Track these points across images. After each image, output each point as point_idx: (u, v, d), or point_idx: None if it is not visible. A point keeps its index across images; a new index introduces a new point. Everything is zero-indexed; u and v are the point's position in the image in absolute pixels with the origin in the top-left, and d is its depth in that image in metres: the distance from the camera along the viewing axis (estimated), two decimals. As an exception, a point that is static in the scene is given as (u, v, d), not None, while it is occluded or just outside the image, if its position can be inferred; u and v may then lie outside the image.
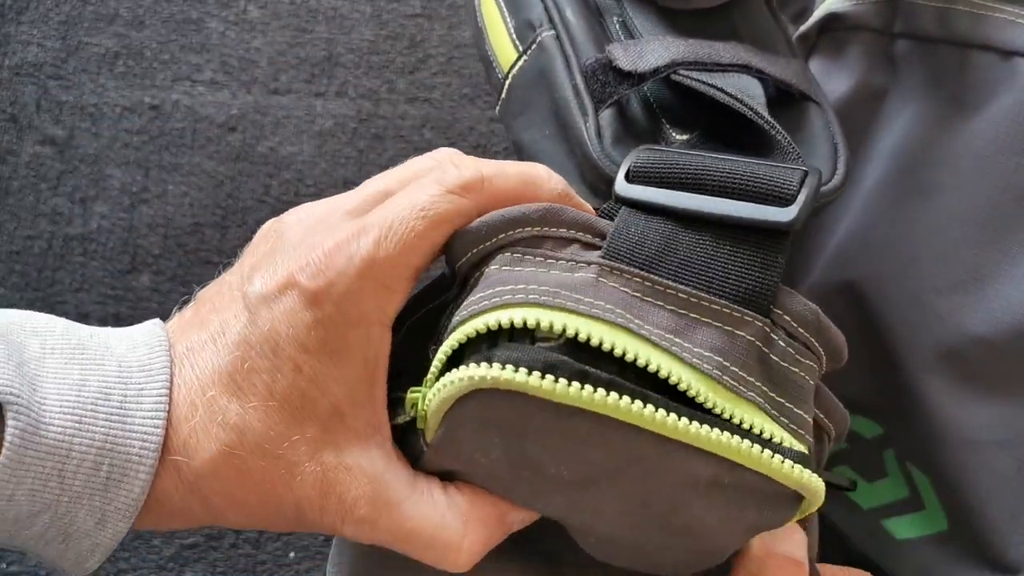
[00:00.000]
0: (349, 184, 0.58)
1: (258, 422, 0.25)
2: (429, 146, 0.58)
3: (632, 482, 0.23)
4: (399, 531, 0.26)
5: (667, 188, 0.26)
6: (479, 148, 0.59)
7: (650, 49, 0.29)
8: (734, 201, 0.25)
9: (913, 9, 0.32)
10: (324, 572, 0.49)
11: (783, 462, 0.23)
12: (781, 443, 0.23)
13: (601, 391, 0.21)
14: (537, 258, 0.25)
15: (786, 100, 0.30)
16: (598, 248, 0.25)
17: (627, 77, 0.29)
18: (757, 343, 0.24)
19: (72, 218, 0.58)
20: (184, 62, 0.59)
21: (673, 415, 0.22)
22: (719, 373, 0.23)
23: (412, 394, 0.25)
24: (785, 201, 0.24)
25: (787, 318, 0.25)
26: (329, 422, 0.25)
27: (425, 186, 0.26)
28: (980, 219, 0.30)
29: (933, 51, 0.32)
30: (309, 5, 0.60)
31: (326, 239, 0.25)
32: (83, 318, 0.56)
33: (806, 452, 0.23)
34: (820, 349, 0.25)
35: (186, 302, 0.29)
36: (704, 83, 0.28)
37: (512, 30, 0.33)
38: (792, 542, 0.27)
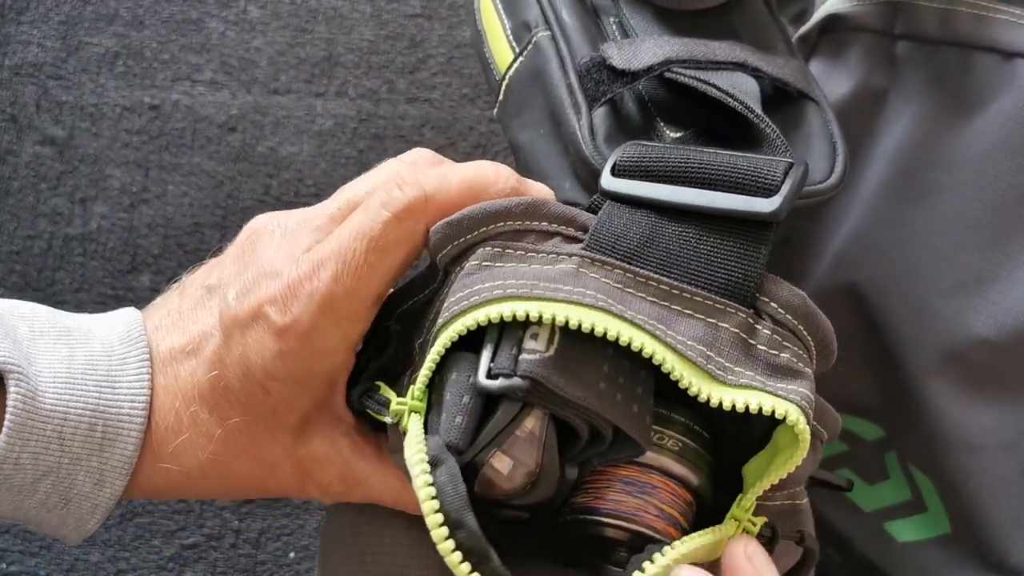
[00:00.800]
0: (349, 184, 0.58)
1: (238, 434, 0.28)
2: (429, 146, 0.57)
3: None
4: (369, 499, 0.29)
5: (651, 181, 0.25)
6: (479, 148, 0.59)
7: (644, 47, 0.29)
8: (718, 193, 0.25)
9: (914, 10, 0.32)
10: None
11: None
12: (786, 416, 0.22)
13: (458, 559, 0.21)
14: (518, 252, 0.25)
15: (784, 98, 0.30)
16: (580, 241, 0.25)
17: (621, 75, 0.28)
18: (741, 334, 0.24)
19: (72, 218, 0.58)
20: (184, 62, 0.59)
21: None
22: (703, 361, 0.23)
23: (397, 406, 0.25)
24: (769, 192, 0.24)
25: (773, 305, 0.24)
26: (299, 428, 0.28)
27: (371, 212, 0.26)
28: (982, 221, 0.30)
29: (934, 52, 0.32)
30: (309, 5, 0.60)
31: (291, 268, 0.27)
32: (83, 318, 0.56)
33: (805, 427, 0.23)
34: (808, 337, 0.25)
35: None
36: (697, 79, 0.28)
37: (509, 31, 0.32)
38: None
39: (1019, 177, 0.29)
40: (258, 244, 0.28)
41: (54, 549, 0.57)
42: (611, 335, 0.22)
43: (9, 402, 0.25)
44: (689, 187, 0.25)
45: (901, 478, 0.36)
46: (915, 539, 0.36)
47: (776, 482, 0.24)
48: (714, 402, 0.23)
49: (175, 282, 0.31)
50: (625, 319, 0.23)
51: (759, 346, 0.24)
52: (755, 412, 0.23)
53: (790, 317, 0.25)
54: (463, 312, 0.23)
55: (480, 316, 0.23)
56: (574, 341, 0.23)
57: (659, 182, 0.25)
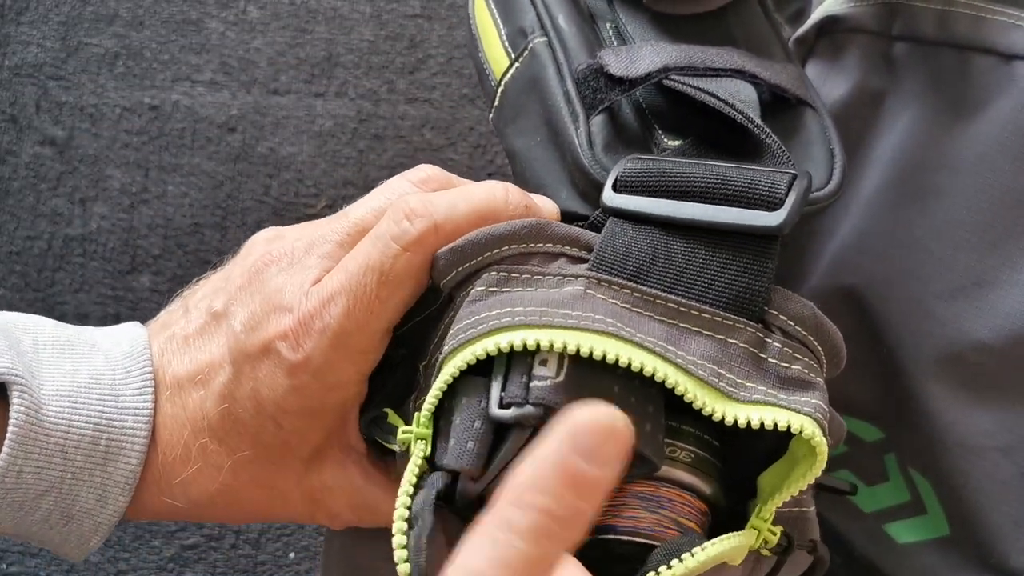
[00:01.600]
0: (349, 184, 0.58)
1: (248, 465, 0.27)
2: (429, 146, 0.57)
3: None
4: (379, 524, 0.29)
5: (654, 196, 0.25)
6: (479, 148, 0.59)
7: (642, 54, 0.29)
8: (721, 207, 0.24)
9: (912, 11, 0.32)
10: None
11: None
12: (801, 430, 0.22)
13: None
14: (523, 276, 0.25)
15: (782, 105, 0.30)
16: (585, 261, 0.25)
17: (619, 83, 0.28)
18: (751, 349, 0.24)
19: (72, 219, 0.58)
20: (184, 62, 0.59)
21: None
22: (715, 379, 0.23)
23: (403, 435, 0.24)
24: (773, 205, 0.24)
25: (783, 318, 0.24)
26: (310, 459, 0.28)
27: (380, 244, 0.26)
28: (980, 224, 0.30)
29: (932, 54, 0.31)
30: (309, 5, 0.60)
31: (301, 303, 0.26)
32: (83, 318, 0.56)
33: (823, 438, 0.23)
34: (819, 347, 0.25)
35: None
36: (695, 88, 0.28)
37: (504, 37, 0.32)
38: None
39: (1017, 180, 0.29)
40: (265, 272, 0.28)
41: (54, 549, 0.57)
42: (623, 361, 0.22)
43: (12, 414, 0.25)
44: (693, 202, 0.25)
45: (900, 480, 0.36)
46: (915, 541, 0.36)
47: (796, 494, 0.24)
48: (728, 420, 0.23)
49: (177, 296, 0.30)
50: (634, 342, 0.23)
51: (770, 360, 0.24)
52: (770, 428, 0.23)
53: (800, 329, 0.24)
54: (470, 341, 0.23)
55: (489, 346, 0.23)
56: (584, 365, 0.23)
57: (662, 197, 0.25)
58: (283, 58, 0.59)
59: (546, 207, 0.28)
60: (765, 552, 0.25)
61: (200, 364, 0.28)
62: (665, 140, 0.28)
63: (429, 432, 0.24)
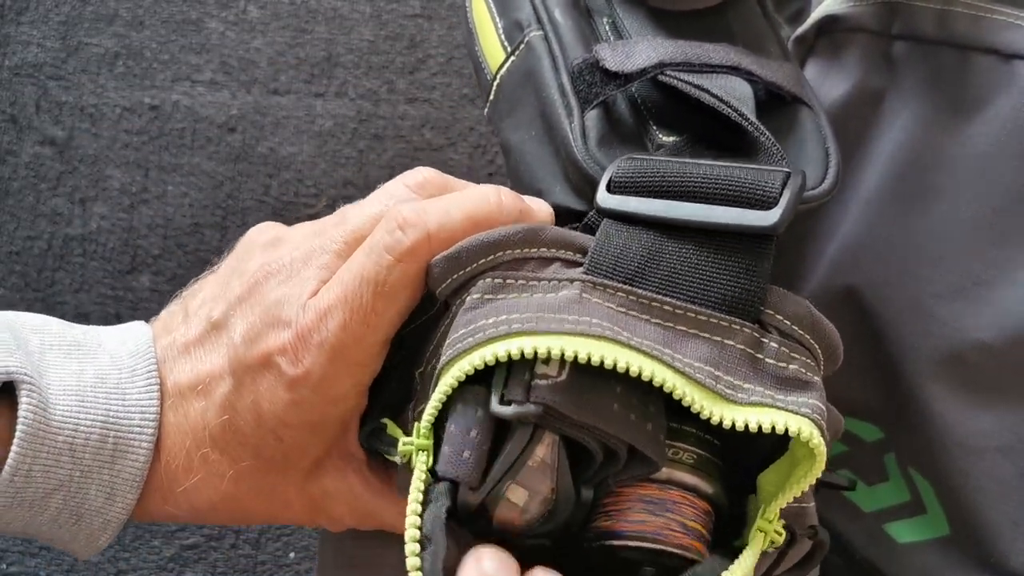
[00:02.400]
0: (349, 184, 0.58)
1: (250, 474, 0.28)
2: (429, 146, 0.57)
3: None
4: (380, 527, 0.30)
5: (648, 197, 0.25)
6: (479, 148, 0.59)
7: (638, 49, 0.28)
8: (715, 207, 0.24)
9: (912, 10, 0.31)
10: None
11: None
12: (799, 433, 0.22)
13: None
14: (519, 282, 0.25)
15: (778, 102, 0.29)
16: (580, 264, 0.25)
17: (614, 77, 0.28)
18: (748, 350, 0.24)
19: (72, 219, 0.58)
20: (184, 62, 0.59)
21: None
22: (712, 382, 0.23)
23: (404, 447, 0.24)
24: (767, 204, 0.24)
25: (779, 317, 0.24)
26: (311, 468, 0.28)
27: (375, 256, 0.26)
28: (980, 224, 0.30)
29: (932, 53, 0.31)
30: (309, 5, 0.60)
31: (299, 316, 0.26)
32: (83, 318, 0.56)
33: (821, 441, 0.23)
34: (816, 345, 0.25)
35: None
36: (690, 84, 0.27)
37: (501, 30, 0.32)
38: None
39: (1017, 180, 0.29)
40: (264, 284, 0.28)
41: (54, 550, 0.57)
42: (620, 366, 0.22)
43: (21, 412, 0.25)
44: (686, 202, 0.25)
45: (900, 480, 0.36)
46: (915, 540, 0.36)
47: (798, 495, 0.24)
48: (727, 423, 0.23)
49: (175, 297, 0.30)
50: (632, 346, 0.23)
51: (767, 360, 0.24)
52: (768, 431, 0.23)
53: (796, 328, 0.24)
54: (468, 350, 0.23)
55: (487, 355, 0.23)
56: (585, 367, 0.23)
57: (656, 197, 0.25)
58: (283, 58, 0.59)
59: (540, 210, 0.28)
60: (770, 549, 0.25)
61: (201, 374, 0.28)
62: (660, 136, 0.28)
63: (430, 443, 0.24)
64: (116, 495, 0.27)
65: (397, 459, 0.25)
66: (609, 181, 0.26)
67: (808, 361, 0.24)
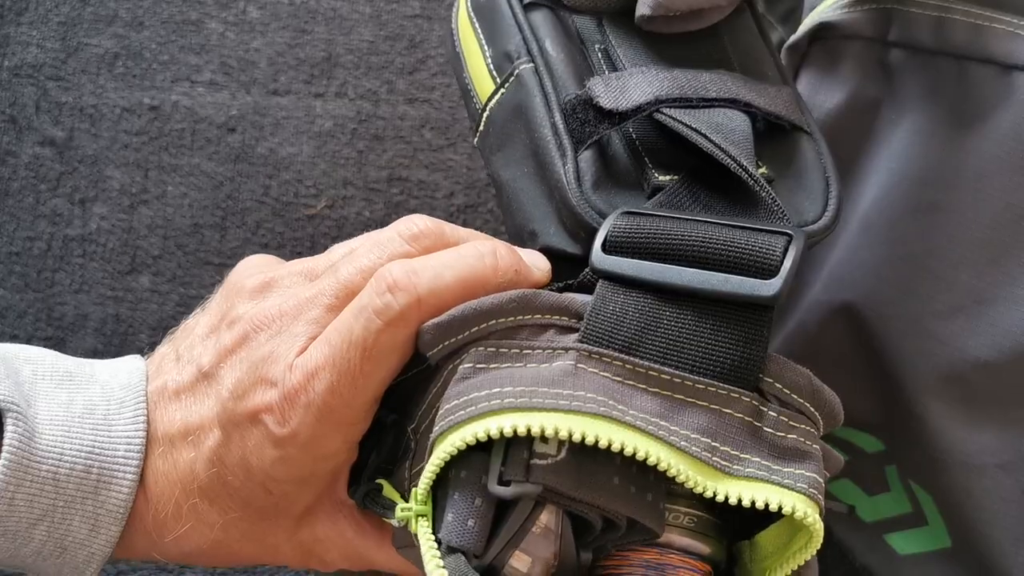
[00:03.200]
0: (349, 184, 0.58)
1: (240, 524, 0.28)
2: (429, 146, 0.57)
3: None
4: (370, 568, 0.30)
5: (645, 258, 0.24)
6: (478, 150, 0.58)
7: (633, 84, 0.27)
8: (714, 273, 0.24)
9: (908, 17, 0.31)
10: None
11: None
12: (793, 511, 0.22)
13: None
14: (512, 351, 0.24)
15: (777, 131, 0.28)
16: (575, 331, 0.24)
17: (608, 115, 0.27)
18: (747, 419, 0.23)
19: (72, 219, 0.58)
20: (184, 63, 0.59)
21: None
22: (708, 455, 0.22)
23: (403, 513, 0.24)
24: (768, 272, 0.23)
25: (778, 386, 0.24)
26: (301, 517, 0.28)
27: (363, 319, 0.26)
28: (980, 240, 0.29)
29: (929, 63, 0.31)
30: (309, 5, 0.59)
31: (286, 377, 0.26)
32: (82, 319, 0.56)
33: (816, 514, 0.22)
34: (816, 413, 0.24)
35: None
36: (687, 126, 0.26)
37: (490, 59, 0.31)
38: None
39: (1017, 195, 0.28)
40: (253, 339, 0.27)
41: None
42: (615, 447, 0.22)
43: (6, 440, 0.25)
44: (685, 265, 0.24)
45: (901, 491, 0.36)
46: (915, 552, 0.36)
47: (796, 568, 0.23)
48: (719, 497, 0.22)
49: (169, 336, 0.30)
50: (626, 423, 0.22)
51: (766, 429, 0.23)
52: (761, 508, 0.22)
53: (796, 397, 0.24)
54: (461, 424, 0.23)
55: (479, 431, 0.22)
56: (582, 444, 0.22)
57: (653, 259, 0.24)
58: (283, 58, 0.59)
59: (536, 266, 0.27)
60: None
61: (191, 424, 0.28)
62: (656, 176, 0.27)
63: (429, 508, 0.24)
64: (100, 527, 0.27)
65: (394, 522, 0.25)
66: (605, 240, 0.25)
67: (808, 430, 0.24)
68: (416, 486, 0.24)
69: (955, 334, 0.30)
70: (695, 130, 0.26)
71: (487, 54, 0.31)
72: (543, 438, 0.22)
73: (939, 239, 0.30)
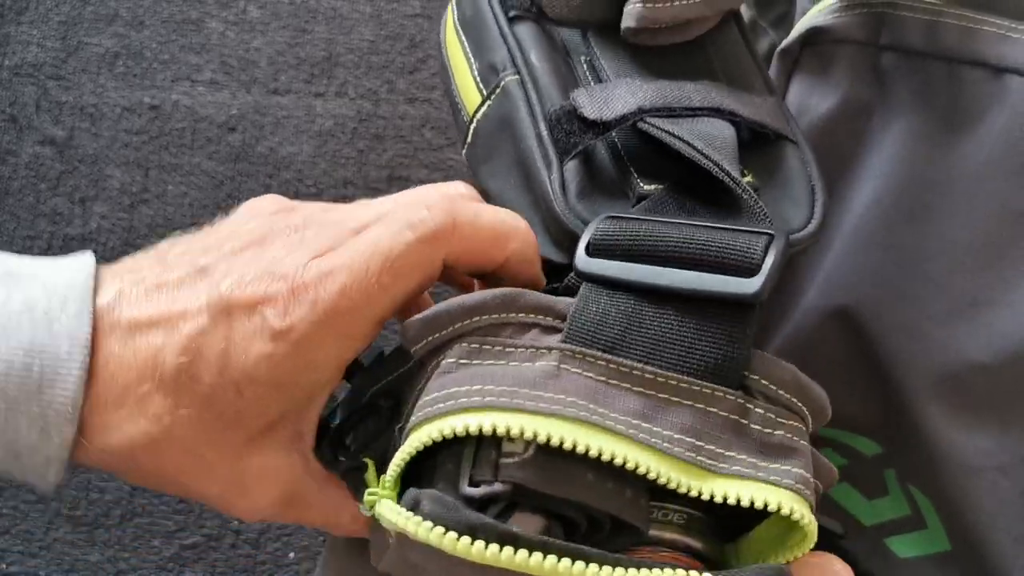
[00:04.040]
0: (349, 184, 0.58)
1: (187, 423, 0.25)
2: (429, 146, 0.57)
3: None
4: (300, 521, 0.28)
5: (628, 260, 0.25)
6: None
7: (616, 95, 0.28)
8: (697, 273, 0.24)
9: (900, 21, 0.31)
10: None
11: None
12: (779, 508, 0.22)
13: (523, 553, 0.20)
14: (496, 348, 0.24)
15: (762, 138, 0.28)
16: (559, 331, 0.24)
17: (592, 126, 0.27)
18: (733, 417, 0.23)
19: (72, 218, 0.58)
20: (184, 62, 0.59)
21: (607, 568, 0.21)
22: (692, 455, 0.22)
23: (369, 497, 0.24)
24: (750, 271, 0.23)
25: (764, 382, 0.24)
26: (257, 432, 0.26)
27: (393, 230, 0.25)
28: (974, 244, 0.29)
29: (921, 66, 0.31)
30: (309, 5, 0.59)
31: (298, 273, 0.25)
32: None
33: (806, 508, 0.22)
34: (803, 408, 0.24)
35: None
36: (670, 134, 0.27)
37: (476, 72, 0.31)
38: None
39: (1011, 198, 0.28)
40: (266, 243, 0.26)
41: (54, 549, 0.57)
42: (592, 452, 0.22)
43: None
44: (667, 266, 0.24)
45: (900, 494, 0.36)
46: (915, 555, 0.36)
47: (791, 560, 0.23)
48: (705, 496, 0.22)
49: (148, 249, 0.29)
50: (605, 428, 0.22)
51: (752, 426, 0.23)
52: (747, 506, 0.22)
53: (783, 393, 0.24)
54: (438, 416, 0.23)
55: (458, 426, 0.22)
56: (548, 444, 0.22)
57: (636, 261, 0.25)
58: (283, 58, 0.59)
59: (538, 272, 0.28)
60: None
61: (168, 311, 0.26)
62: (641, 185, 0.27)
63: (395, 494, 0.24)
64: (50, 430, 0.25)
65: (364, 511, 0.25)
66: (588, 243, 0.25)
67: (796, 425, 0.24)
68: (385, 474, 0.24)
69: (951, 337, 0.30)
70: (678, 138, 0.26)
71: (474, 67, 0.31)
72: (511, 438, 0.22)
73: (933, 242, 0.30)
